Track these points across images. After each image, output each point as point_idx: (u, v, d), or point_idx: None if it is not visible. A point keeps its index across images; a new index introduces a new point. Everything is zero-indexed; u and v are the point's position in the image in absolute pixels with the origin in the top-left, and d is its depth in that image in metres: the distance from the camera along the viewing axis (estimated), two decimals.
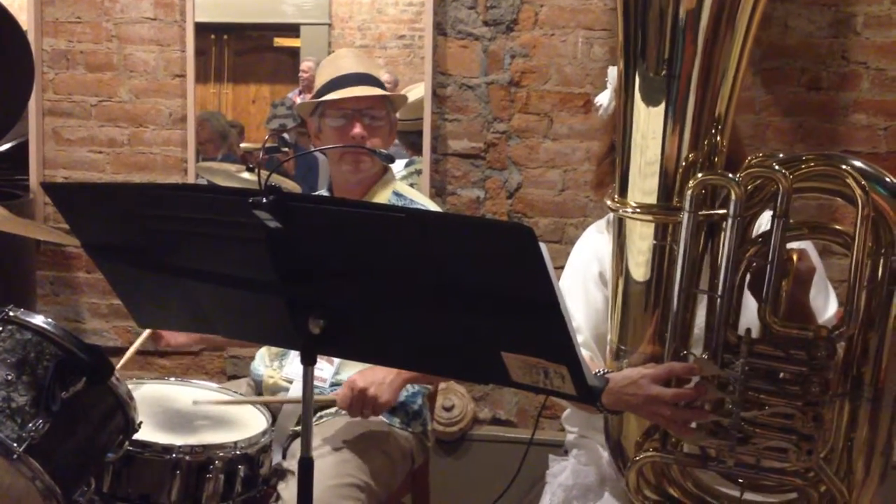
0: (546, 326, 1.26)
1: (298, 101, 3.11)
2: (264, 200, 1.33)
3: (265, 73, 3.23)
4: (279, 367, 2.18)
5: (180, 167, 3.12)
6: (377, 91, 2.18)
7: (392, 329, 1.46)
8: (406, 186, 2.32)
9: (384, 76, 2.45)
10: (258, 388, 2.21)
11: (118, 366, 1.97)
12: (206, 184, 3.07)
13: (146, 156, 3.14)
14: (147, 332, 2.10)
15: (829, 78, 2.83)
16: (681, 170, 1.53)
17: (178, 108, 3.10)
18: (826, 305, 1.72)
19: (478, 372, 1.49)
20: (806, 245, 1.63)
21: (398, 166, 2.91)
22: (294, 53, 3.13)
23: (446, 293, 1.32)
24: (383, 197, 2.21)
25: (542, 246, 1.19)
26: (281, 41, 3.18)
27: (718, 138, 1.55)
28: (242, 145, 3.22)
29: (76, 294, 3.18)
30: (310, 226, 1.38)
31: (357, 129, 2.14)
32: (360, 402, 1.94)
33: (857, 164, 1.48)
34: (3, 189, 3.07)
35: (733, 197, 1.47)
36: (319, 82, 2.22)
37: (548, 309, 1.23)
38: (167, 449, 1.80)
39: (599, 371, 1.58)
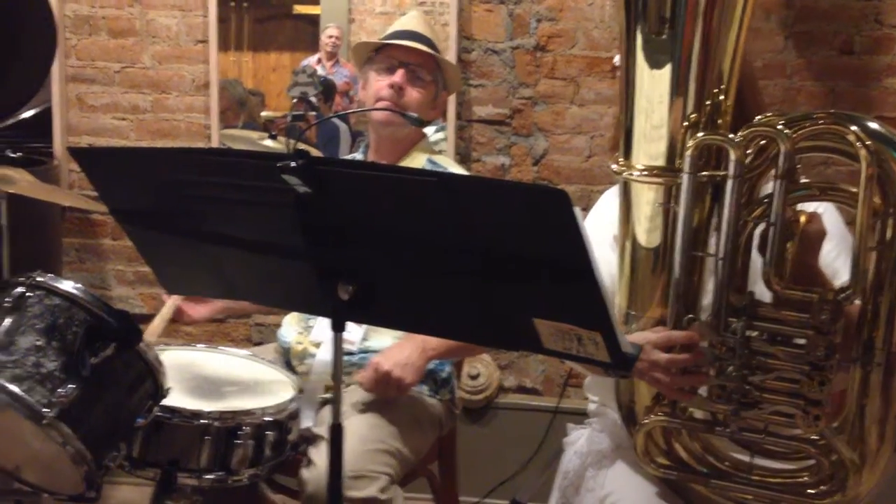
0: (580, 292, 1.24)
1: (318, 69, 3.09)
2: (293, 165, 1.32)
3: (285, 41, 3.20)
4: (306, 330, 2.18)
5: (203, 134, 3.10)
6: (430, 50, 2.22)
7: (422, 295, 1.45)
8: (443, 157, 2.32)
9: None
10: (286, 354, 2.21)
11: (153, 338, 1.98)
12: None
13: (169, 122, 3.13)
14: (173, 302, 2.11)
15: (861, 42, 2.77)
16: (684, 132, 1.50)
17: (200, 75, 3.08)
18: (846, 267, 1.69)
19: (509, 339, 1.48)
20: (825, 208, 1.60)
21: (430, 132, 2.89)
22: (314, 21, 3.10)
23: (478, 259, 1.30)
24: (417, 163, 2.22)
25: (577, 210, 1.17)
26: (300, 8, 3.15)
27: (722, 98, 1.52)
28: (263, 113, 3.21)
29: (102, 261, 3.18)
30: (339, 190, 1.36)
31: (397, 78, 2.17)
32: (384, 384, 1.95)
33: (870, 124, 1.43)
34: (27, 156, 3.06)
35: (732, 157, 1.44)
36: (385, 33, 2.31)
37: (582, 274, 1.21)
38: (196, 415, 1.80)
39: None
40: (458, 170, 2.32)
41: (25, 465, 1.70)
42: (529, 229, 1.24)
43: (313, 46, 3.12)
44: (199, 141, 3.10)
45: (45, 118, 3.14)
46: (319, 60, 3.12)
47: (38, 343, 1.57)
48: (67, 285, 1.62)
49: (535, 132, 2.92)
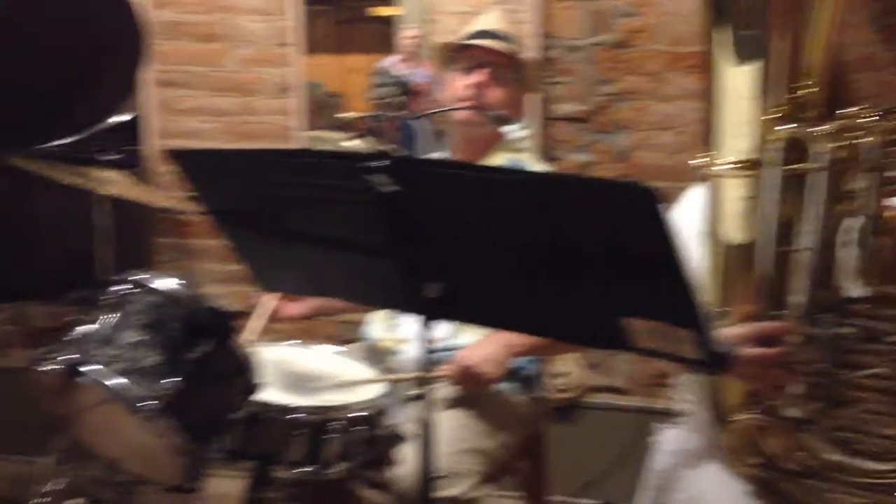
0: (670, 290, 1.23)
1: (397, 69, 3.12)
2: (381, 164, 1.34)
3: (363, 43, 3.24)
4: (393, 327, 2.21)
5: (286, 136, 3.16)
6: (512, 49, 2.21)
7: (509, 293, 1.45)
8: (524, 155, 2.32)
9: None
10: (372, 351, 2.24)
11: (254, 337, 2.03)
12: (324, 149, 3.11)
13: (254, 125, 3.19)
14: (270, 302, 2.15)
15: None
16: (770, 126, 1.47)
17: (283, 78, 3.14)
18: None
19: (598, 337, 1.47)
20: None
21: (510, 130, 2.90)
22: (391, 23, 3.13)
23: (566, 257, 1.30)
24: (498, 162, 2.23)
25: (664, 206, 1.16)
26: (378, 10, 3.19)
27: (811, 91, 1.48)
28: (343, 115, 3.25)
29: (193, 260, 3.27)
30: (426, 189, 1.38)
31: (480, 78, 2.17)
32: (468, 379, 1.97)
33: None
34: (119, 159, 3.15)
35: (819, 150, 1.41)
36: (464, 33, 2.30)
37: (672, 271, 1.20)
38: (287, 409, 1.83)
39: None
40: (540, 168, 2.31)
41: (127, 456, 1.76)
42: (616, 226, 1.24)
43: (391, 48, 3.15)
44: (283, 143, 3.16)
45: (130, 122, 3.23)
46: (399, 61, 3.15)
47: (140, 338, 1.63)
48: (168, 283, 1.68)
49: (617, 129, 2.91)
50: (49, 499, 2.18)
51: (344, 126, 3.24)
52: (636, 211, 1.18)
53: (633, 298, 1.30)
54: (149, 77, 3.18)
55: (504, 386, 2.11)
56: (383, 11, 3.17)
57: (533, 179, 1.31)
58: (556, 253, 1.31)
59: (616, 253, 1.26)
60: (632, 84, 2.88)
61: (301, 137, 3.16)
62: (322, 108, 3.26)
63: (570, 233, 1.29)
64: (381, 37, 3.16)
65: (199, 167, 1.63)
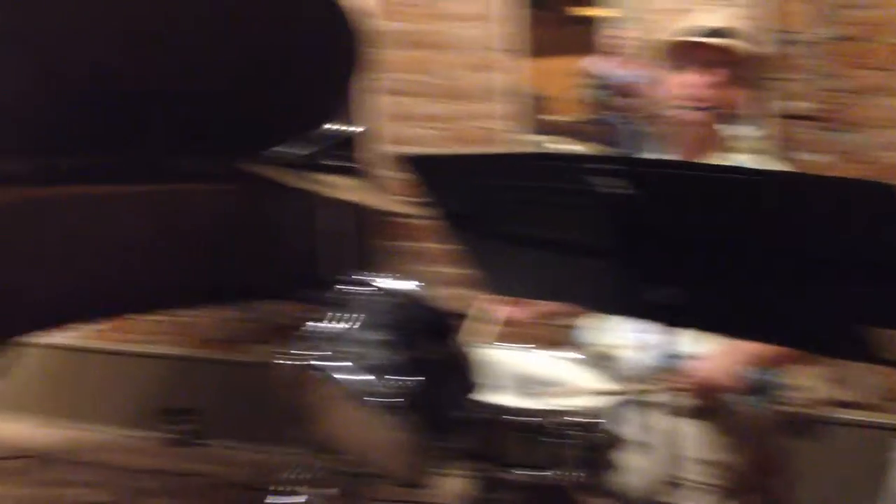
0: None
1: (609, 70, 3.09)
2: (615, 167, 1.33)
3: (566, 45, 3.23)
4: (613, 332, 2.18)
5: (504, 140, 3.19)
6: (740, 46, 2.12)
7: (746, 300, 1.40)
8: (751, 155, 2.23)
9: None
10: (593, 356, 2.23)
11: (475, 341, 2.07)
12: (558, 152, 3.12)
13: (472, 130, 3.24)
14: (499, 309, 2.18)
15: None
16: None
17: (498, 83, 3.17)
18: None
19: (843, 348, 1.40)
20: None
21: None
22: (597, 23, 3.11)
23: (805, 261, 1.25)
24: (726, 162, 2.14)
25: None
26: (580, 11, 3.17)
27: None
28: (555, 118, 3.26)
29: (416, 263, 3.37)
30: (659, 191, 1.36)
31: (710, 77, 2.09)
32: (703, 390, 1.91)
33: None
34: (348, 165, 3.28)
35: None
36: (690, 29, 2.19)
37: None
38: (506, 411, 1.85)
39: None
40: (775, 167, 2.21)
41: (363, 449, 1.84)
42: (866, 228, 1.18)
43: (594, 49, 3.12)
44: (500, 147, 3.19)
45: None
46: (610, 62, 3.12)
47: (379, 338, 1.71)
48: (405, 284, 1.75)
49: (855, 127, 2.74)
50: (289, 487, 2.31)
51: (556, 129, 3.25)
52: (882, 211, 1.11)
53: (882, 306, 1.22)
54: (378, 85, 3.29)
55: (741, 398, 2.03)
56: (586, 12, 3.16)
57: (773, 178, 1.26)
58: (796, 256, 1.26)
59: (864, 257, 1.20)
60: (870, 80, 2.71)
61: (518, 141, 3.18)
62: (533, 112, 3.28)
63: (812, 235, 1.24)
64: (585, 38, 3.14)
65: (432, 171, 1.68)
